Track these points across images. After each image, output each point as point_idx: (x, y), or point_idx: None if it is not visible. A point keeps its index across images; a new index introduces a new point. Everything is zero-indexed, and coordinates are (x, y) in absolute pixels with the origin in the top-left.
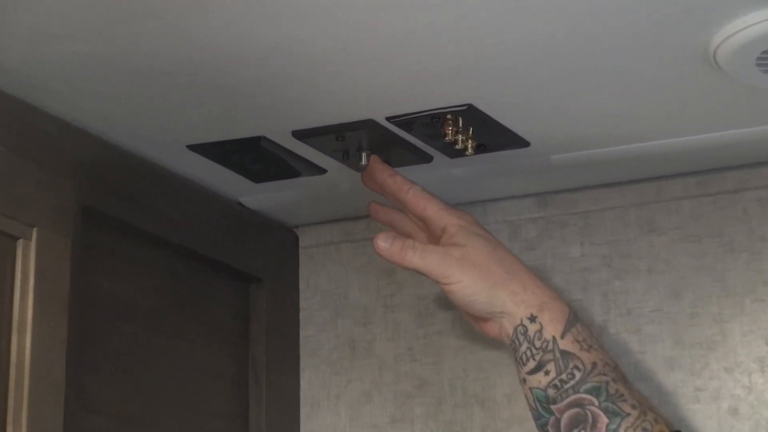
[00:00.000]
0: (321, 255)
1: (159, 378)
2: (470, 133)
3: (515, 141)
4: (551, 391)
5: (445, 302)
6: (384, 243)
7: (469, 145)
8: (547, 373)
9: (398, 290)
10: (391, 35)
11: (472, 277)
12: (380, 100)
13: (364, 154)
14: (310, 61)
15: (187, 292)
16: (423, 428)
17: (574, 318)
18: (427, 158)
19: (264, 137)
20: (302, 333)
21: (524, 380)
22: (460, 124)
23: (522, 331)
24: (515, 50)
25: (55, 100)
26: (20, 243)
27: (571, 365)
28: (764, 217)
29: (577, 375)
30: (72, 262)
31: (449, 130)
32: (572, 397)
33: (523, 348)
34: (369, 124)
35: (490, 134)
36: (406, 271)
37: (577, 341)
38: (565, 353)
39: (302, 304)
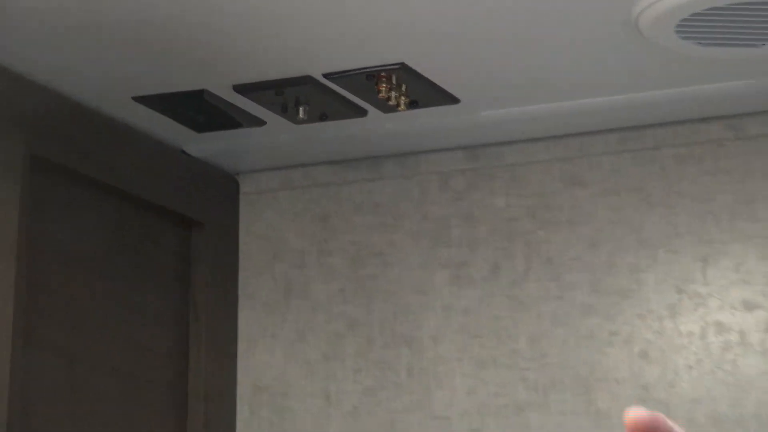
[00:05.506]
0: (261, 202)
1: (103, 318)
2: (403, 90)
3: (446, 98)
4: None
5: (377, 247)
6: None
7: (402, 102)
8: None
9: (332, 236)
10: None
11: None
12: (318, 58)
13: (301, 108)
14: (250, 19)
15: (132, 237)
16: (353, 365)
17: None
18: (362, 113)
19: (206, 90)
20: (241, 275)
21: None
22: (394, 82)
23: None
24: (448, 12)
25: (3, 53)
26: None
27: None
28: (680, 173)
29: None
30: (20, 209)
31: (383, 87)
32: None
33: None
34: (307, 80)
35: (422, 91)
36: (341, 217)
37: None
38: None
39: (242, 248)
